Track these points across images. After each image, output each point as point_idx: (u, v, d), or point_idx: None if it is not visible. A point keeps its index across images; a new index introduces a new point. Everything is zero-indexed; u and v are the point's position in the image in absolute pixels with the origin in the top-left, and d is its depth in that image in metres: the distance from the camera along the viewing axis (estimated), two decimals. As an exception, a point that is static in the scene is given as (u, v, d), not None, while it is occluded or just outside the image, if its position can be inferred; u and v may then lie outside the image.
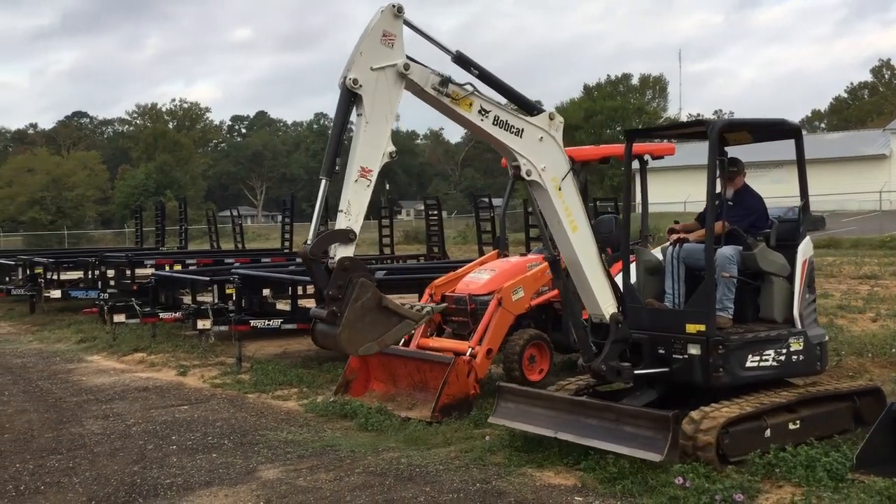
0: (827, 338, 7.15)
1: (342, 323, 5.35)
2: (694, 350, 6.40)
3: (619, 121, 61.32)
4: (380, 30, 5.62)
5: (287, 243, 19.14)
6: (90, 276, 16.19)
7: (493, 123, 6.02)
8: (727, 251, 6.81)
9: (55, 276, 16.48)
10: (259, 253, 19.34)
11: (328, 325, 5.40)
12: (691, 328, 6.46)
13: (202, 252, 20.34)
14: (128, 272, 15.46)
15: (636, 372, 6.51)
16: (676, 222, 7.49)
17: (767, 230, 7.12)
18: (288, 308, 12.21)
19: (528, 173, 6.11)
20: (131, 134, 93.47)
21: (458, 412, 7.78)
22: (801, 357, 6.79)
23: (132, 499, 5.99)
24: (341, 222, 5.44)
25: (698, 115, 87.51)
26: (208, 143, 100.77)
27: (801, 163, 7.24)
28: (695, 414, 6.06)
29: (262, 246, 29.00)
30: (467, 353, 8.17)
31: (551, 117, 6.20)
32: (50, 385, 10.13)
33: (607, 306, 6.40)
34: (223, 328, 11.16)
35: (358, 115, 5.60)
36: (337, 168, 5.65)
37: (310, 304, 12.45)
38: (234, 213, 23.09)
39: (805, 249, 7.04)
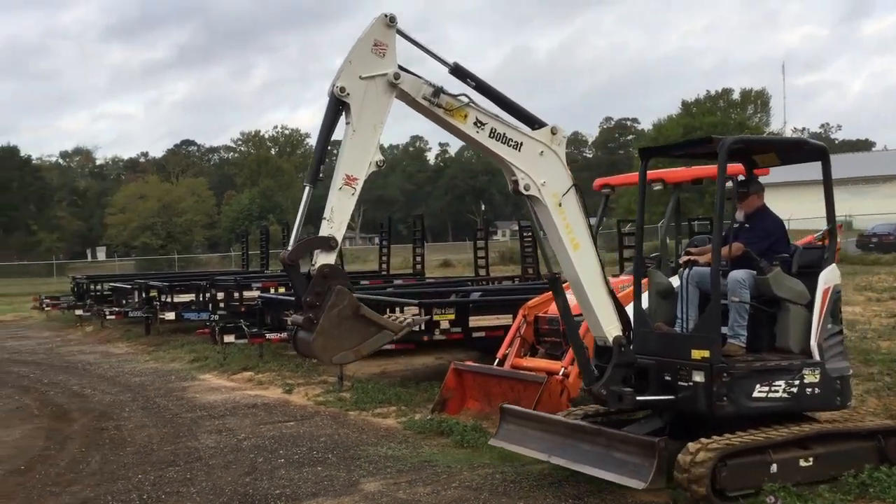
0: (850, 372, 6.69)
1: (317, 330, 5.29)
2: (698, 377, 6.07)
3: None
4: (371, 39, 5.57)
5: (384, 265, 19.62)
6: (201, 299, 17.03)
7: (490, 136, 5.87)
8: (739, 275, 6.49)
9: (169, 299, 17.36)
10: (357, 275, 19.89)
11: (307, 332, 5.35)
12: (696, 354, 6.14)
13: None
14: (236, 295, 16.19)
15: (638, 398, 6.22)
16: (694, 245, 7.41)
17: (786, 255, 6.76)
18: (386, 329, 12.55)
19: (527, 188, 5.94)
20: (236, 160, 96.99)
21: (550, 430, 7.96)
22: (818, 390, 6.33)
23: (245, 508, 6.42)
24: (324, 229, 5.39)
25: (803, 129, 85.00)
26: (308, 167, 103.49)
27: (827, 185, 6.80)
28: (692, 445, 5.79)
29: (359, 268, 29.71)
30: (560, 373, 8.34)
31: (553, 131, 6.04)
32: (166, 402, 10.77)
33: (610, 328, 6.18)
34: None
35: (346, 123, 5.55)
36: (321, 176, 5.63)
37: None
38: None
39: (828, 277, 6.60)
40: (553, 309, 9.38)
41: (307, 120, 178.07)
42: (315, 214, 5.59)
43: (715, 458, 5.66)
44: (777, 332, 6.56)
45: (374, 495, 6.56)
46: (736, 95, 72.21)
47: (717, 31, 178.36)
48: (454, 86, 5.92)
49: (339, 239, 5.44)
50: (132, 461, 7.92)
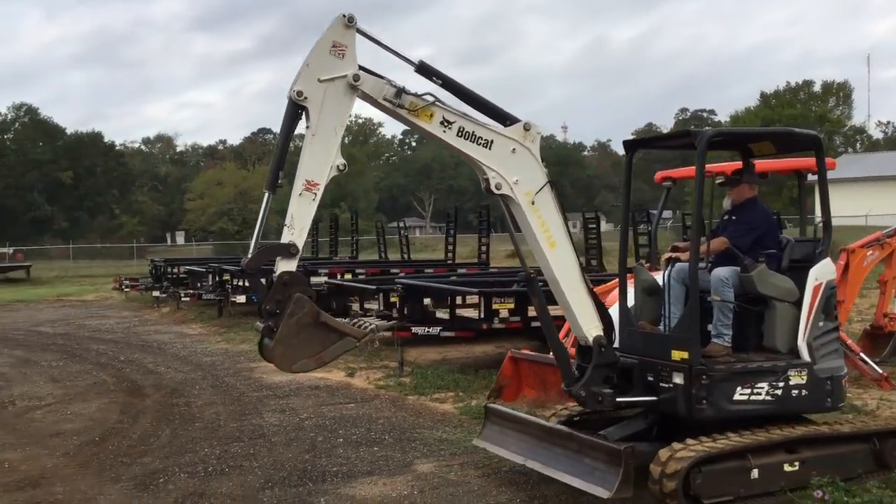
0: (844, 371, 6.39)
1: (276, 339, 5.20)
2: (678, 379, 5.86)
3: (799, 130, 58.51)
4: (329, 40, 5.43)
5: (451, 254, 19.82)
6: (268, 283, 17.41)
7: (458, 135, 5.69)
8: (722, 273, 6.24)
9: (241, 283, 17.88)
10: (423, 263, 20.11)
11: (270, 339, 5.26)
12: (676, 355, 5.92)
13: (371, 262, 21.40)
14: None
15: (618, 399, 6.00)
16: (685, 239, 7.21)
17: (772, 250, 6.46)
18: (447, 316, 12.78)
19: (498, 187, 5.76)
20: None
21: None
22: (805, 392, 6.06)
23: (303, 483, 6.67)
24: (285, 236, 5.31)
25: (888, 122, 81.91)
26: (380, 156, 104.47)
27: (821, 177, 6.52)
28: (662, 452, 5.59)
29: (428, 256, 29.99)
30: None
31: (526, 128, 5.82)
32: (235, 381, 11.17)
33: (590, 328, 5.94)
34: (387, 334, 11.88)
35: (306, 127, 5.43)
36: (281, 182, 5.54)
37: (470, 313, 13.01)
38: (401, 224, 24.10)
39: (820, 272, 6.29)
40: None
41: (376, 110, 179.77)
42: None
43: (687, 466, 5.43)
44: (764, 332, 6.32)
45: (427, 476, 6.76)
46: (817, 88, 70.15)
47: (800, 23, 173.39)
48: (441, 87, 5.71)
49: (300, 246, 5.33)
50: (200, 436, 8.28)
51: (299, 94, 5.36)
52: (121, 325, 18.85)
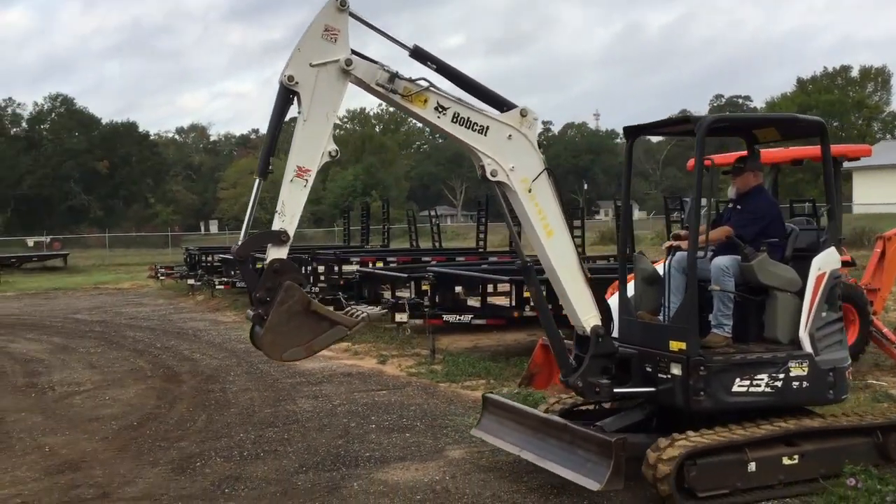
0: (848, 363, 6.22)
1: (266, 327, 5.17)
2: (676, 370, 5.75)
3: (836, 116, 57.68)
4: (321, 25, 5.35)
5: (482, 242, 19.85)
6: (304, 272, 17.63)
7: (453, 121, 5.60)
8: (722, 261, 6.11)
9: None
10: (454, 252, 20.16)
11: (260, 327, 5.24)
12: (674, 345, 5.82)
13: (402, 250, 21.49)
14: (336, 268, 16.72)
15: (615, 390, 5.93)
16: (685, 228, 7.11)
17: (776, 239, 6.32)
18: (478, 304, 12.82)
19: (494, 174, 5.67)
20: (341, 137, 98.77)
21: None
22: (806, 384, 5.93)
23: (336, 467, 6.76)
24: (275, 223, 5.26)
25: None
26: (411, 145, 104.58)
27: (826, 163, 6.36)
28: (661, 441, 5.53)
29: (459, 245, 30.04)
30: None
31: (523, 114, 5.72)
32: (268, 368, 11.30)
33: (588, 318, 5.87)
34: (419, 322, 11.96)
35: (298, 112, 5.37)
36: (271, 168, 5.52)
37: (501, 301, 13.05)
38: (432, 213, 24.15)
39: (824, 261, 6.14)
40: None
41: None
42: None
43: (680, 458, 5.36)
44: (765, 322, 6.18)
45: (458, 462, 6.81)
46: (855, 73, 69.01)
47: (838, 8, 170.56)
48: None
49: (291, 233, 5.30)
50: (235, 421, 8.41)
51: (290, 78, 5.29)
52: (156, 312, 19.13)
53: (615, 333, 6.30)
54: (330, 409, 8.80)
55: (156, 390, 10.09)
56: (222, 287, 19.96)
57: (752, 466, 5.59)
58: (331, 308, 5.56)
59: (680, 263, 6.19)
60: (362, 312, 5.66)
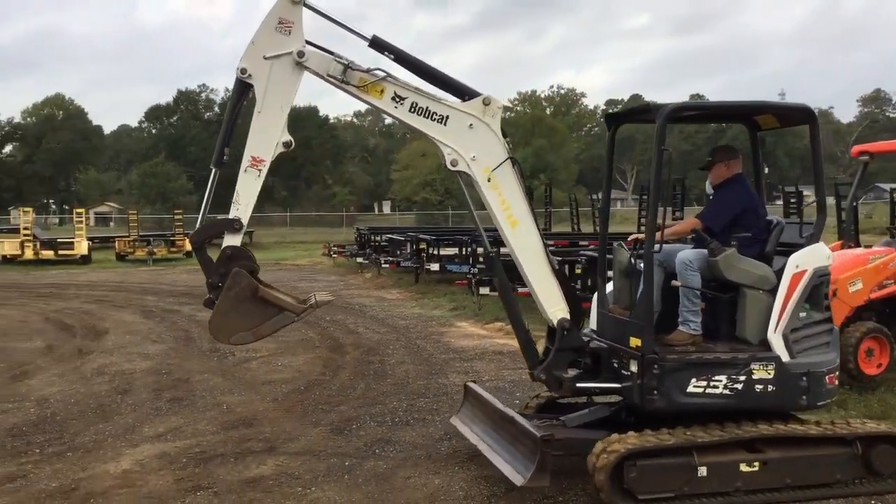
0: (829, 367, 5.73)
1: (214, 311, 5.31)
2: (634, 367, 5.54)
3: None
4: (275, 17, 5.35)
5: (642, 227, 19.68)
6: (463, 253, 18.22)
7: (411, 111, 5.52)
8: (686, 256, 5.79)
9: (436, 252, 18.79)
10: (614, 236, 20.03)
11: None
12: (633, 342, 5.58)
13: (562, 234, 21.66)
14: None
15: (578, 385, 5.80)
16: (674, 218, 6.67)
17: (748, 234, 5.90)
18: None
19: (454, 163, 5.59)
20: (511, 119, 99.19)
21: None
22: (772, 387, 5.52)
23: (477, 437, 7.19)
24: (231, 211, 5.37)
25: None
26: (582, 127, 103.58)
27: (815, 153, 5.92)
28: (599, 444, 5.35)
29: (627, 229, 29.74)
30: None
31: (486, 102, 5.59)
32: (425, 343, 11.92)
33: (554, 310, 5.76)
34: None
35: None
36: (226, 158, 5.55)
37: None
38: (594, 197, 24.15)
39: (805, 259, 5.71)
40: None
41: (589, 80, 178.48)
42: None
43: (616, 459, 5.18)
44: (736, 321, 5.82)
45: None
46: None
47: None
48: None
49: (245, 221, 5.40)
50: (390, 390, 9.03)
51: (243, 71, 5.37)
52: (328, 288, 20.26)
53: (593, 326, 6.25)
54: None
55: (322, 359, 10.92)
56: (388, 266, 20.91)
57: (703, 471, 5.33)
58: (279, 294, 5.65)
59: (657, 256, 5.93)
60: (311, 298, 5.73)
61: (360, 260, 23.53)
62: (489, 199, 5.69)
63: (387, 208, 71.82)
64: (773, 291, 5.71)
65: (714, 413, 5.59)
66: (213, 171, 5.65)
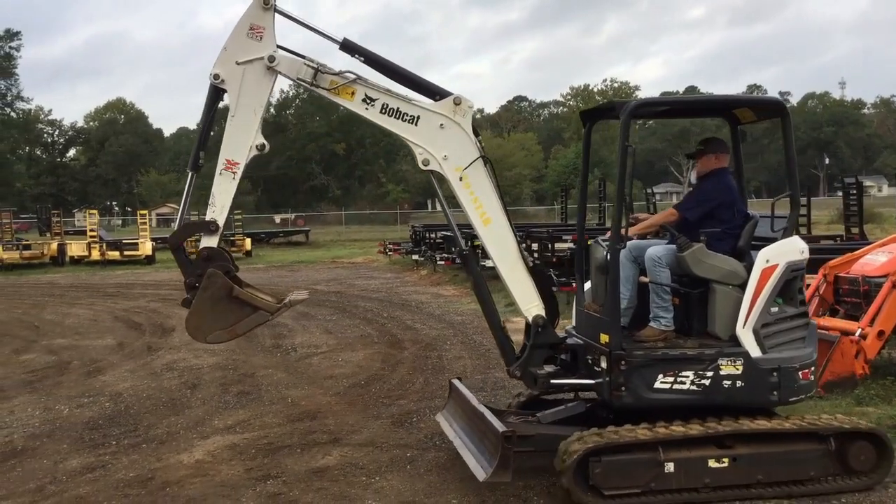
0: (805, 363, 5.68)
1: (190, 310, 5.44)
2: (604, 363, 5.55)
3: None
4: (247, 24, 5.46)
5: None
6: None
7: (382, 112, 5.60)
8: (655, 252, 5.73)
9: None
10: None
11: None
12: (602, 338, 5.60)
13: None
14: (549, 246, 17.24)
15: (552, 381, 5.79)
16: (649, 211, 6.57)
17: (718, 229, 5.84)
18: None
19: (426, 163, 5.67)
20: (564, 115, 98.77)
21: (840, 389, 7.93)
22: (741, 383, 5.50)
23: (535, 430, 7.32)
24: (208, 213, 5.47)
25: None
26: (637, 121, 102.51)
27: (787, 146, 5.88)
28: (564, 442, 5.36)
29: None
30: (856, 334, 8.23)
31: (457, 102, 5.65)
32: (481, 339, 12.06)
33: (529, 307, 5.81)
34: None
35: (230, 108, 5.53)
36: (202, 162, 5.66)
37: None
38: (648, 191, 24.03)
39: (776, 253, 5.65)
40: (856, 269, 9.15)
41: (644, 73, 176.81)
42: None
43: (577, 459, 5.21)
44: (707, 316, 5.77)
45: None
46: None
47: None
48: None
49: (221, 222, 5.51)
50: (448, 384, 9.19)
51: (216, 77, 5.49)
52: (384, 285, 20.62)
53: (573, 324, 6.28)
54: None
55: (381, 355, 11.15)
56: (443, 263, 21.10)
57: (670, 467, 5.32)
58: (256, 293, 5.75)
59: (630, 252, 5.94)
60: (287, 298, 5.85)
61: (415, 257, 23.80)
62: (462, 197, 5.78)
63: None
64: (744, 286, 5.67)
65: (683, 409, 5.60)
66: (190, 174, 5.80)
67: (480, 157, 5.75)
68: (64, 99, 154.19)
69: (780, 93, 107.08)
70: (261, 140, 5.58)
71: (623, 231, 5.65)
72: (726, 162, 6.24)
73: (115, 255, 29.85)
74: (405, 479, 6.18)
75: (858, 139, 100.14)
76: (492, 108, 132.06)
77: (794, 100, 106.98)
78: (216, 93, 5.61)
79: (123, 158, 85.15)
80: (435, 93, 5.76)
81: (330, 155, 76.89)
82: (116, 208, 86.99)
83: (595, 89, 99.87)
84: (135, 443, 7.33)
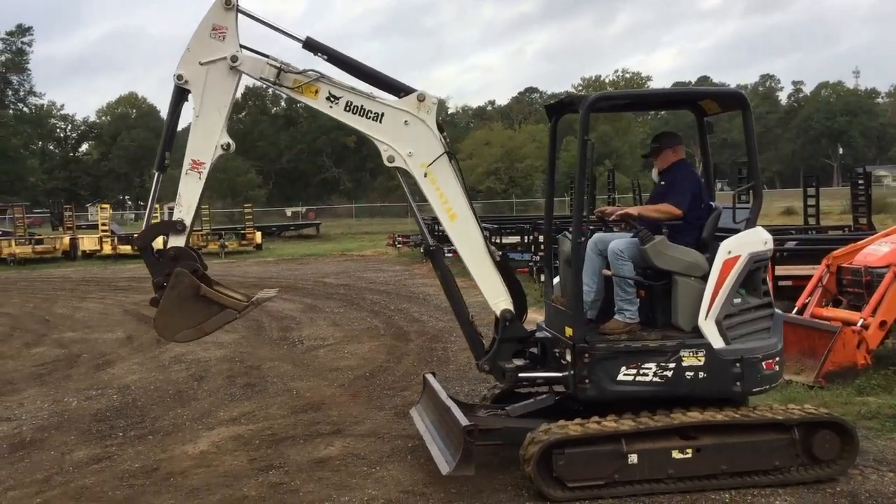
0: (769, 353, 5.69)
1: (157, 310, 5.50)
2: (568, 356, 5.60)
3: None
4: (209, 24, 5.49)
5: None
6: (525, 241, 18.36)
7: (346, 110, 5.62)
8: (618, 245, 5.75)
9: (498, 240, 18.96)
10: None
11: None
12: (567, 331, 5.65)
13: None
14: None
15: (521, 374, 5.86)
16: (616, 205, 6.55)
17: (678, 221, 5.84)
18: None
19: (391, 160, 5.70)
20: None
21: (842, 379, 7.95)
22: (703, 374, 5.52)
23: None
24: (175, 213, 5.53)
25: None
26: (648, 112, 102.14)
27: (748, 137, 5.89)
28: (530, 434, 5.42)
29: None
30: (858, 324, 8.24)
31: (420, 98, 5.68)
32: (487, 332, 11.76)
33: (497, 301, 5.87)
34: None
35: (192, 108, 5.54)
36: (167, 162, 5.71)
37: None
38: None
39: (738, 244, 5.65)
40: (859, 259, 9.14)
41: (658, 63, 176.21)
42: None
43: (538, 451, 5.26)
44: (671, 308, 5.77)
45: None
46: None
47: None
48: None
49: (188, 222, 5.57)
50: (453, 376, 9.27)
51: (180, 77, 5.53)
52: (393, 277, 20.71)
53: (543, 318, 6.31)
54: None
55: (387, 347, 11.23)
56: (451, 255, 21.09)
57: (634, 458, 5.37)
58: (223, 292, 5.79)
59: (596, 245, 5.96)
60: (254, 297, 5.93)
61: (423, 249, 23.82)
62: (427, 193, 5.82)
63: (451, 198, 72.08)
64: (706, 278, 5.69)
65: (647, 401, 5.63)
66: (156, 175, 5.86)
67: (445, 152, 5.79)
68: (78, 94, 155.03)
69: (794, 82, 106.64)
70: (226, 139, 5.61)
71: (583, 226, 5.71)
72: (683, 154, 6.30)
73: (126, 249, 29.95)
74: (405, 468, 6.25)
75: (872, 128, 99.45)
76: (503, 100, 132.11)
77: (807, 89, 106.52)
78: (180, 93, 5.64)
79: (136, 153, 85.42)
80: (399, 90, 5.80)
81: (341, 148, 76.91)
82: (129, 202, 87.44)
83: (606, 80, 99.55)
84: (141, 434, 7.43)
